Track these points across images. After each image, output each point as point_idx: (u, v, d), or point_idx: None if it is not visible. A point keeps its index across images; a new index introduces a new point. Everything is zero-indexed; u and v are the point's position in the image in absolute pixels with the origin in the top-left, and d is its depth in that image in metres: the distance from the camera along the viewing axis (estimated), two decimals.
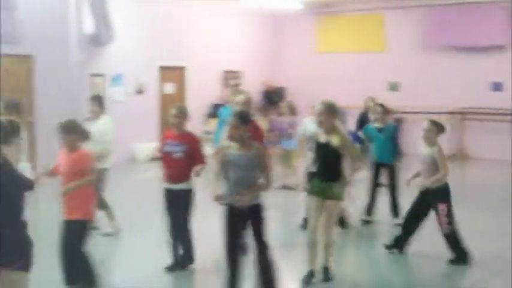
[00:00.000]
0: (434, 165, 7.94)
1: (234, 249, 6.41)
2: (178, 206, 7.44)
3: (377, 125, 10.14)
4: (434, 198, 8.02)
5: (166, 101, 17.92)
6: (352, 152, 6.93)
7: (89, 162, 6.50)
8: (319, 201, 7.01)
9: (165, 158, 7.51)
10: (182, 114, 7.62)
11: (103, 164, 8.86)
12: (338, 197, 6.99)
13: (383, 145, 10.04)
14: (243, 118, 6.42)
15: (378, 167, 10.13)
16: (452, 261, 8.09)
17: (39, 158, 12.39)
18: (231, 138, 6.39)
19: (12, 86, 13.75)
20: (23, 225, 4.98)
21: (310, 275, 7.21)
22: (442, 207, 7.96)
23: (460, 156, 18.07)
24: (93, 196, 6.66)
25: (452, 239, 8.10)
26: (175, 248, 7.65)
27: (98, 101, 9.51)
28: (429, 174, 7.99)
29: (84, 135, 6.53)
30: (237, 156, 6.28)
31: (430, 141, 8.01)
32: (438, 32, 18.70)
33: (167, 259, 7.71)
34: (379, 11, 19.95)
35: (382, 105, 10.24)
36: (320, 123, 7.00)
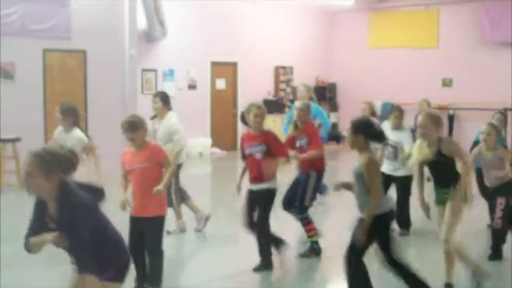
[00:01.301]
0: (499, 165, 7.84)
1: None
2: (259, 206, 7.26)
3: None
4: (497, 192, 7.92)
5: (217, 96, 18.01)
6: (464, 157, 6.52)
7: (165, 153, 6.39)
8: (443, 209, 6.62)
9: (247, 160, 7.33)
10: (264, 113, 7.27)
11: (177, 160, 8.59)
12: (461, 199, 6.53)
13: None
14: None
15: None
16: (490, 257, 7.98)
17: None
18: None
19: (64, 81, 14.00)
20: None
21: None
22: (500, 200, 7.84)
23: None
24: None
25: (498, 236, 8.00)
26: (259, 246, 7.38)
27: (160, 97, 8.86)
28: (494, 173, 7.90)
29: (147, 130, 6.37)
30: None
31: (491, 145, 7.88)
32: (494, 28, 18.38)
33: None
34: (433, 6, 19.70)
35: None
36: (424, 135, 6.47)
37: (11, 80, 13.35)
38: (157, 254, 6.32)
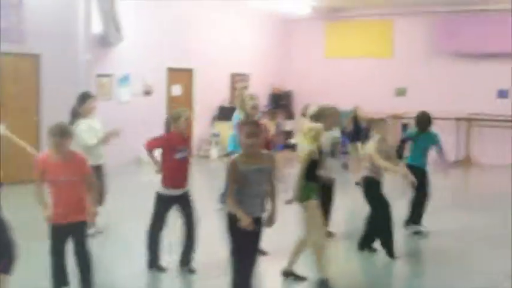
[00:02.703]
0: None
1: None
2: (188, 209, 7.66)
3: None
4: None
5: (173, 103, 17.92)
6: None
7: (89, 167, 6.40)
8: None
9: (177, 163, 7.56)
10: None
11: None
12: None
13: None
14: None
15: None
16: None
17: None
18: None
19: (17, 86, 13.77)
20: (3, 226, 4.79)
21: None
22: None
23: (466, 162, 18.02)
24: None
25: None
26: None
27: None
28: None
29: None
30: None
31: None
32: (447, 39, 18.71)
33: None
34: (389, 17, 19.94)
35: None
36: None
37: None
38: (88, 255, 6.41)
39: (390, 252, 8.42)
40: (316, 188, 7.25)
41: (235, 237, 5.86)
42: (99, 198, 8.94)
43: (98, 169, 8.96)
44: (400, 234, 9.35)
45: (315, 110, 8.54)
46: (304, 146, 7.28)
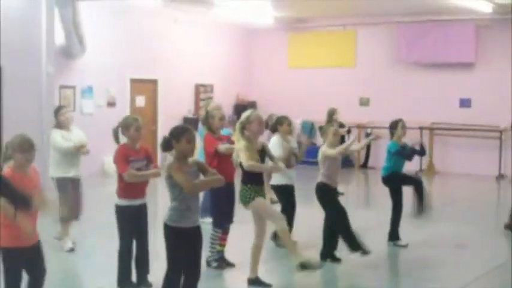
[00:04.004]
0: None
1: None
2: (144, 222, 7.52)
3: None
4: None
5: (137, 114, 17.81)
6: None
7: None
8: None
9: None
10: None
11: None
12: None
13: None
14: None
15: None
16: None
17: None
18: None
19: None
20: None
21: None
22: None
23: (429, 170, 18.20)
24: None
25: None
26: None
27: None
28: None
29: None
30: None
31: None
32: (409, 49, 18.92)
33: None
34: (351, 27, 20.10)
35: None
36: None
37: None
38: (45, 274, 5.96)
39: (352, 246, 8.40)
40: (259, 190, 7.28)
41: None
42: (74, 212, 8.88)
43: (73, 181, 9.04)
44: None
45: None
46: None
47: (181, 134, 5.93)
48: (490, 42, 17.94)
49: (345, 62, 20.28)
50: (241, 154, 7.15)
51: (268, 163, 7.54)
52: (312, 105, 20.19)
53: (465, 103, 18.44)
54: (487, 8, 16.41)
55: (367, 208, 13.40)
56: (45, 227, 7.05)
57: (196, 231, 6.02)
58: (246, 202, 7.22)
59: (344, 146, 8.64)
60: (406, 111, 18.80)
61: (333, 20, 19.91)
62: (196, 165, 6.06)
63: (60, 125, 9.19)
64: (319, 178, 8.51)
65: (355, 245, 8.33)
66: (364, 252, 8.37)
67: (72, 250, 9.02)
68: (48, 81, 14.67)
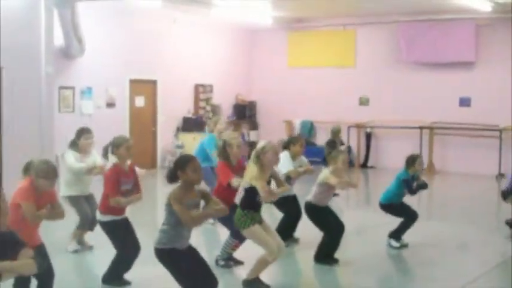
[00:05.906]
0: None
1: None
2: (132, 232, 7.57)
3: None
4: None
5: (137, 114, 17.82)
6: None
7: None
8: None
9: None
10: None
11: None
12: None
13: None
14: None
15: None
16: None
17: (6, 171, 12.25)
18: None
19: None
20: None
21: None
22: None
23: (429, 170, 18.19)
24: None
25: None
26: None
27: None
28: None
29: None
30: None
31: None
32: (409, 48, 18.89)
33: None
34: (351, 27, 20.08)
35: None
36: None
37: None
38: (53, 277, 6.19)
39: (318, 256, 8.46)
40: (256, 216, 7.16)
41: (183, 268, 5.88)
42: (90, 223, 8.80)
43: (86, 197, 8.98)
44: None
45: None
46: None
47: (185, 164, 5.83)
48: (490, 42, 17.91)
49: (345, 62, 20.25)
50: (254, 182, 7.06)
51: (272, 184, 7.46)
52: (311, 105, 20.22)
53: (465, 102, 18.42)
54: (486, 7, 16.39)
55: (367, 208, 13.35)
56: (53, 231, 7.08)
57: (189, 248, 5.98)
58: (241, 227, 7.18)
59: (347, 181, 8.69)
60: (406, 111, 18.88)
61: (332, 19, 19.89)
62: (201, 195, 5.98)
63: (78, 147, 8.97)
64: (310, 197, 8.47)
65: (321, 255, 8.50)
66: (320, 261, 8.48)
67: (76, 252, 8.96)
68: (47, 82, 14.64)
